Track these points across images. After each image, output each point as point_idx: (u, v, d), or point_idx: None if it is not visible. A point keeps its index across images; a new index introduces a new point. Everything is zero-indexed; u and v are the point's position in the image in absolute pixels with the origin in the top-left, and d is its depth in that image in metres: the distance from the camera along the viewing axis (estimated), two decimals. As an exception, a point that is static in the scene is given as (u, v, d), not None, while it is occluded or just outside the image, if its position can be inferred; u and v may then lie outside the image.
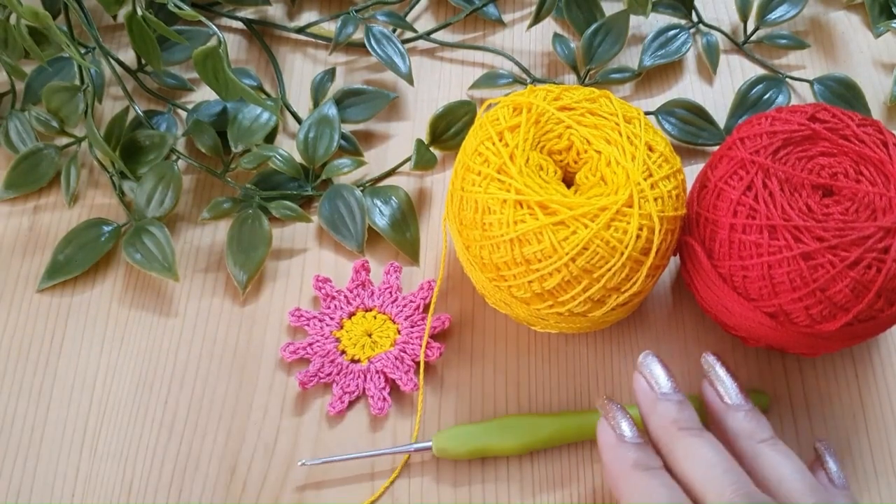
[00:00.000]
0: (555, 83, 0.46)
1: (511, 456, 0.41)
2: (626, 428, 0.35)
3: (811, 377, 0.43)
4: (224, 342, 0.44)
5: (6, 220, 0.48)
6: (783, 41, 0.53)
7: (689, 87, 0.53)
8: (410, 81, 0.50)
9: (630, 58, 0.53)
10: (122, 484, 0.40)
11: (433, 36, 0.54)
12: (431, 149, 0.48)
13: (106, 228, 0.46)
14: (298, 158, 0.48)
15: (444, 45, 0.54)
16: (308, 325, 0.44)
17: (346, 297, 0.45)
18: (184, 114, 0.51)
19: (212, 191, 0.49)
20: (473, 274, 0.41)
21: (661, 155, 0.39)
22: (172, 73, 0.52)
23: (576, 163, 0.40)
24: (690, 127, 0.50)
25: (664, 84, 0.53)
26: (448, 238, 0.45)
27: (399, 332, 0.44)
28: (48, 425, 0.42)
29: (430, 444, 0.40)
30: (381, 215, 0.47)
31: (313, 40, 0.54)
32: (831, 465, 0.37)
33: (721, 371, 0.37)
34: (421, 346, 0.43)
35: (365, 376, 0.42)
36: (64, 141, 0.49)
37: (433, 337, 0.44)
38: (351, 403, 0.42)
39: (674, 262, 0.45)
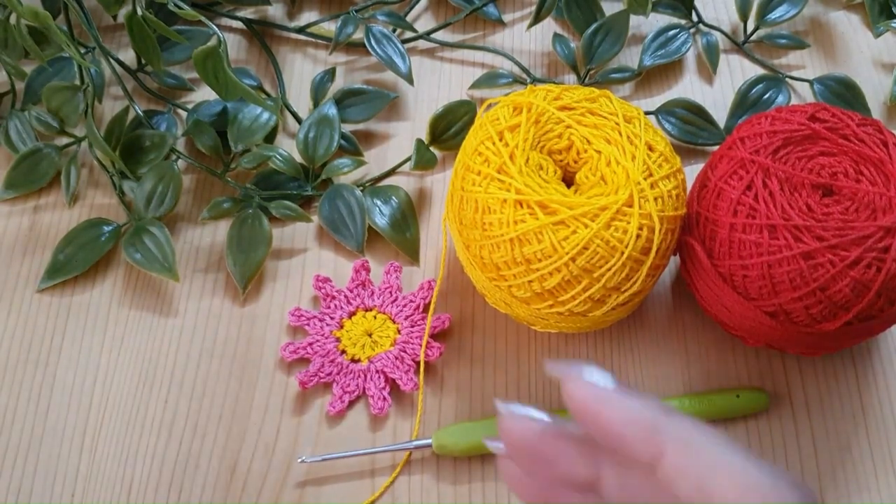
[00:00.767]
0: (555, 83, 0.46)
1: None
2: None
3: (811, 377, 0.43)
4: (224, 342, 0.44)
5: (6, 219, 0.48)
6: (783, 41, 0.53)
7: (689, 86, 0.53)
8: (410, 81, 0.50)
9: (630, 58, 0.53)
10: (122, 484, 0.40)
11: (433, 36, 0.54)
12: (431, 149, 0.48)
13: (106, 228, 0.46)
14: (298, 158, 0.48)
15: (444, 45, 0.54)
16: (308, 324, 0.44)
17: (346, 296, 0.45)
18: (184, 114, 0.51)
19: (212, 191, 0.49)
20: (473, 274, 0.41)
21: (662, 155, 0.39)
22: (172, 73, 0.52)
23: (576, 162, 0.40)
24: (690, 127, 0.50)
25: (664, 84, 0.53)
26: (448, 238, 0.45)
27: (399, 331, 0.44)
28: (48, 425, 0.42)
29: (430, 440, 0.40)
30: (381, 215, 0.47)
31: (313, 40, 0.54)
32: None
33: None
34: (421, 345, 0.43)
35: (365, 376, 0.42)
36: (64, 141, 0.49)
37: (433, 337, 0.44)
38: (351, 403, 0.42)
39: (674, 261, 0.45)
